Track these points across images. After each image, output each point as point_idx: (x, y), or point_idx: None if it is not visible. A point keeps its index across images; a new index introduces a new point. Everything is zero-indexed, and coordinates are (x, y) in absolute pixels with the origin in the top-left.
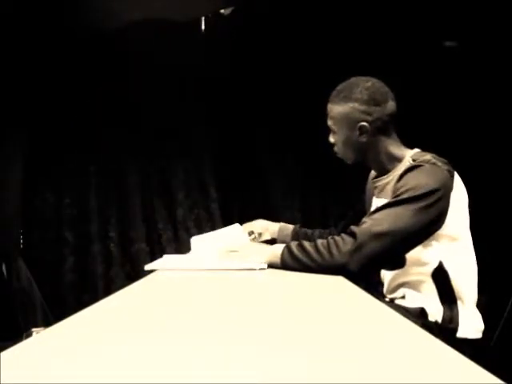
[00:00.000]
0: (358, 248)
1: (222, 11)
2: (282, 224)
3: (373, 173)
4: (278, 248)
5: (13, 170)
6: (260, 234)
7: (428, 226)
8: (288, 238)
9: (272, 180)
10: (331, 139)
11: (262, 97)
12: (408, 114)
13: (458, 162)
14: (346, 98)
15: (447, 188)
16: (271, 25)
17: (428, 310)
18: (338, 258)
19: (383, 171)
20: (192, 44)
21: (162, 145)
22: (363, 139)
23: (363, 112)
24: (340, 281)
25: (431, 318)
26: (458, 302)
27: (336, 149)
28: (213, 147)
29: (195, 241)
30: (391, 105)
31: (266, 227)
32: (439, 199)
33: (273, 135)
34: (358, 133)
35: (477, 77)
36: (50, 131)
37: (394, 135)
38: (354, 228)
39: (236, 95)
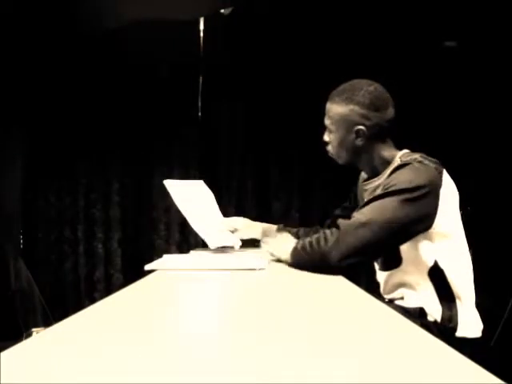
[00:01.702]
0: (340, 238)
1: (222, 11)
2: (264, 225)
3: (363, 175)
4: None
5: (13, 170)
6: (234, 231)
7: (414, 220)
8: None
9: (271, 179)
10: (326, 138)
11: (262, 96)
12: (407, 114)
13: (458, 162)
14: (348, 100)
15: (435, 185)
16: (271, 25)
17: (427, 310)
18: (326, 249)
19: (372, 172)
20: (191, 44)
21: (163, 144)
22: (359, 142)
23: (362, 116)
24: (340, 281)
25: (430, 318)
26: (457, 301)
27: (329, 148)
28: (206, 146)
29: (168, 183)
30: (391, 111)
31: (249, 225)
32: (425, 195)
33: (272, 135)
34: (354, 136)
35: (476, 77)
36: (49, 131)
37: (389, 140)
38: (340, 220)
39: (235, 94)
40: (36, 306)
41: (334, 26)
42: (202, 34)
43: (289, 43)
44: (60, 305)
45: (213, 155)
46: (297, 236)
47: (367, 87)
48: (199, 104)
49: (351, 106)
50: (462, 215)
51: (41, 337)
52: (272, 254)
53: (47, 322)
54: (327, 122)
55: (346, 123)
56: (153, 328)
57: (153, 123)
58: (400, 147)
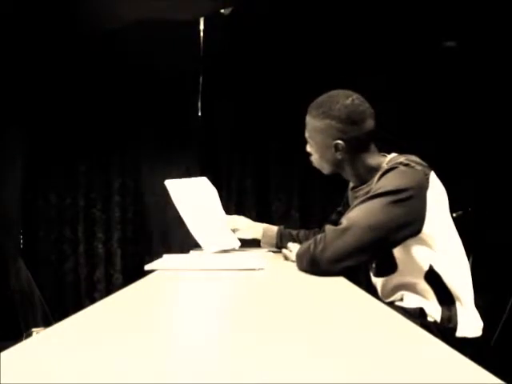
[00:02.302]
0: (327, 244)
1: (222, 11)
2: (265, 225)
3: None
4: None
5: (13, 169)
6: (235, 230)
7: (401, 222)
8: (273, 240)
9: (271, 179)
10: (308, 149)
11: (263, 96)
12: (406, 115)
13: (458, 163)
14: (324, 114)
15: (421, 187)
16: (271, 25)
17: (427, 310)
18: (315, 255)
19: (361, 181)
20: (192, 44)
21: (163, 144)
22: (338, 156)
23: (339, 130)
24: (340, 281)
25: (430, 318)
26: (456, 302)
27: (312, 159)
28: (208, 145)
29: (170, 183)
30: (369, 123)
31: (250, 226)
32: (411, 197)
33: (273, 135)
34: (333, 150)
35: (476, 77)
36: (50, 131)
37: (373, 148)
38: (327, 226)
39: (236, 94)
40: (36, 306)
41: (334, 25)
42: (201, 34)
43: (289, 43)
44: (60, 305)
45: (213, 155)
46: (297, 238)
47: (344, 101)
48: (199, 104)
49: (327, 121)
50: (462, 216)
51: (41, 337)
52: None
53: (47, 322)
54: (307, 134)
55: (324, 138)
56: (153, 328)
57: (153, 123)
58: (394, 149)
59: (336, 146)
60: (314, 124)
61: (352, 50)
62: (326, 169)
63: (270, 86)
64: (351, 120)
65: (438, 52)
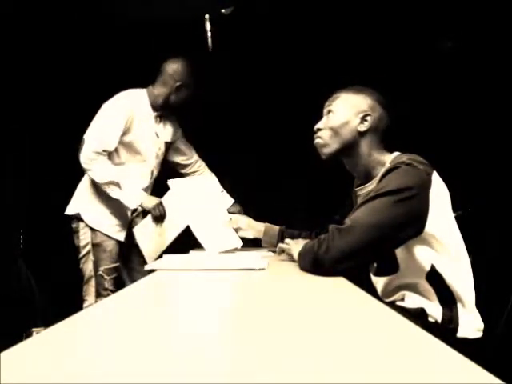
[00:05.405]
0: (330, 244)
1: (223, 11)
2: (267, 225)
3: (357, 180)
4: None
5: (13, 169)
6: (237, 229)
7: (404, 222)
8: (274, 240)
9: (273, 178)
10: (320, 125)
11: (263, 95)
12: (404, 115)
13: (458, 163)
14: (359, 91)
15: (424, 186)
16: (271, 25)
17: (428, 311)
18: (319, 255)
19: (365, 177)
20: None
21: None
22: (360, 129)
23: (371, 106)
24: (340, 281)
25: (431, 319)
26: (458, 303)
27: (321, 133)
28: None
29: (172, 183)
30: (389, 118)
31: (251, 225)
32: (413, 196)
33: (274, 134)
34: (359, 121)
35: (476, 77)
36: (50, 131)
37: (382, 145)
38: (331, 226)
39: (236, 93)
40: (36, 306)
41: (335, 25)
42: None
43: (289, 43)
44: (60, 305)
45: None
46: (299, 238)
47: (374, 90)
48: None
49: (362, 95)
50: (462, 216)
51: (41, 337)
52: (293, 258)
53: (47, 322)
54: (333, 103)
55: (355, 108)
56: (153, 328)
57: None
58: (394, 149)
59: (364, 117)
60: (347, 96)
61: (352, 50)
62: (332, 146)
63: (271, 85)
64: (382, 103)
65: (439, 52)
